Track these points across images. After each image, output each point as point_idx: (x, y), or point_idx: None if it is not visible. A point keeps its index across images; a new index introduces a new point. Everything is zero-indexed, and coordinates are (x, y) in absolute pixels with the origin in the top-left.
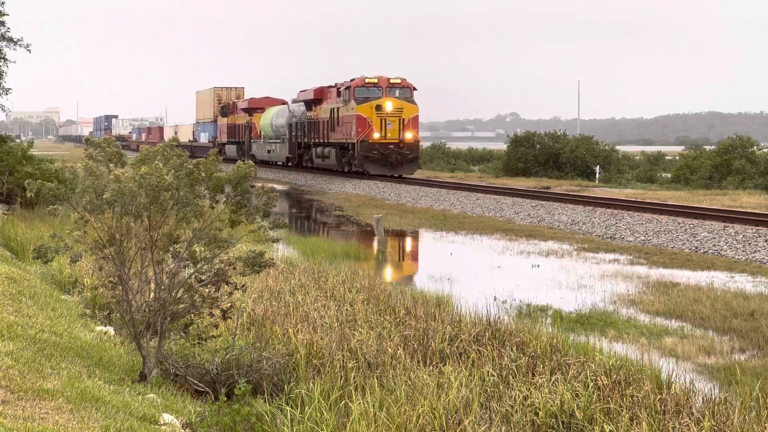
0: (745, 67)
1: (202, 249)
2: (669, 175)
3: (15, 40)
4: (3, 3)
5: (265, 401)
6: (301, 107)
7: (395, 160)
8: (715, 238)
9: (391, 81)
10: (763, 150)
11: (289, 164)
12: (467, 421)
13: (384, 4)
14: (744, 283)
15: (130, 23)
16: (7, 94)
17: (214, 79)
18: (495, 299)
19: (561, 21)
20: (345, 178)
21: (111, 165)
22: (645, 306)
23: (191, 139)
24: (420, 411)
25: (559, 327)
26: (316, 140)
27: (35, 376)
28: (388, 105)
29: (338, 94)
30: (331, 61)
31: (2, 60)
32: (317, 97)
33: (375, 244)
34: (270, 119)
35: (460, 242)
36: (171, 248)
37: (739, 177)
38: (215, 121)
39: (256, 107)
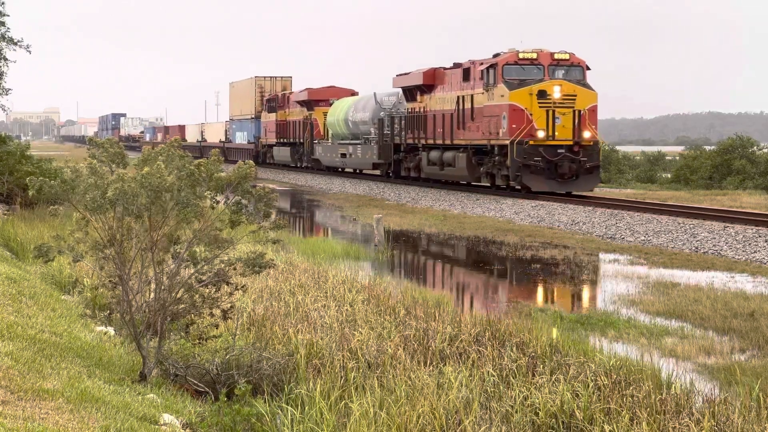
0: (745, 67)
1: (203, 249)
2: (669, 176)
3: (15, 40)
4: (3, 3)
5: (265, 401)
6: (392, 98)
7: (568, 171)
8: (715, 238)
9: (556, 56)
10: (763, 150)
11: (380, 173)
12: (467, 421)
13: None
14: (744, 283)
15: (130, 23)
16: (7, 95)
17: (216, 78)
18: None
19: (565, 21)
20: (345, 177)
21: (113, 165)
22: (645, 306)
23: (223, 139)
24: (420, 411)
25: (560, 327)
26: (428, 141)
27: (35, 377)
28: (556, 90)
29: (465, 76)
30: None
31: (2, 60)
32: (427, 83)
33: (375, 244)
34: (344, 114)
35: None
36: (171, 249)
37: (739, 177)
38: (257, 117)
39: (318, 99)
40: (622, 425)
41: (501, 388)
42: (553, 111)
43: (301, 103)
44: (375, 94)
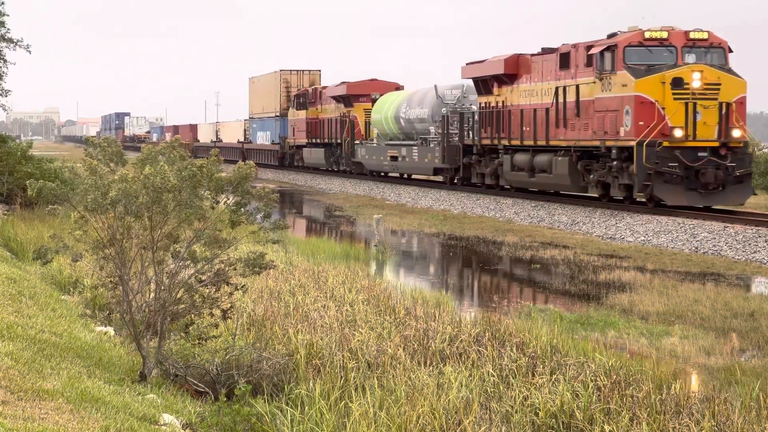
0: (744, 66)
1: (203, 249)
2: None
3: (15, 40)
4: (3, 3)
5: (265, 401)
6: (456, 92)
7: (713, 180)
8: (715, 238)
9: (691, 35)
10: (764, 150)
11: (444, 181)
12: (467, 421)
13: None
14: (744, 283)
15: (130, 23)
16: (6, 96)
17: (215, 79)
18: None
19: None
20: (344, 177)
21: (112, 165)
22: (645, 306)
23: (242, 139)
24: (420, 411)
25: (560, 327)
26: (512, 141)
27: (35, 377)
28: (696, 77)
29: (563, 63)
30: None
31: (2, 61)
32: (509, 72)
33: (375, 245)
34: (393, 110)
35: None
36: (171, 248)
37: None
38: (282, 115)
39: (358, 94)
40: (622, 425)
41: (501, 388)
42: (693, 104)
43: (338, 99)
44: (436, 86)
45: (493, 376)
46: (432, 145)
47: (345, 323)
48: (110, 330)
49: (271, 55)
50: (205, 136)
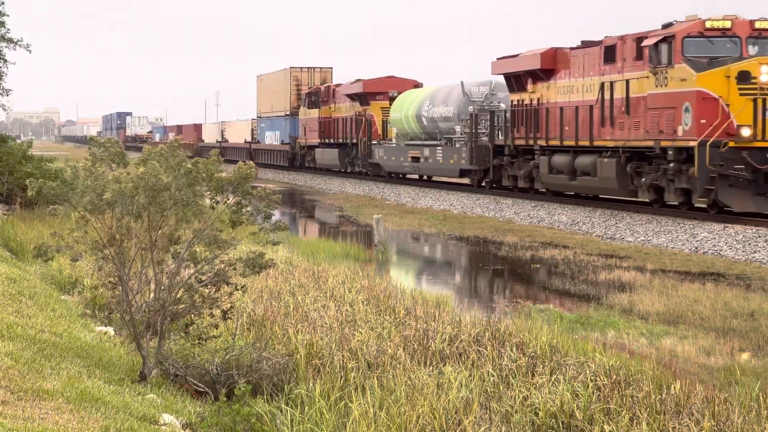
0: None
1: (203, 249)
2: None
3: (15, 40)
4: (3, 3)
5: (265, 401)
6: (483, 89)
7: None
8: (714, 238)
9: (757, 25)
10: None
11: (471, 183)
12: (467, 421)
13: None
14: (744, 283)
15: (130, 23)
16: (7, 95)
17: (214, 79)
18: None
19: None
20: (344, 177)
21: (113, 165)
22: (645, 306)
23: (249, 139)
24: (420, 411)
25: (559, 327)
26: (550, 142)
27: (35, 377)
28: (764, 71)
29: (609, 56)
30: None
31: (2, 61)
32: (546, 67)
33: (375, 245)
34: (414, 109)
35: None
36: (171, 249)
37: None
38: (293, 114)
39: (375, 92)
40: (622, 425)
41: (501, 388)
42: (763, 100)
43: (353, 97)
44: (462, 83)
45: (493, 376)
46: (458, 146)
47: (345, 323)
48: (110, 330)
49: (272, 55)
50: (210, 136)
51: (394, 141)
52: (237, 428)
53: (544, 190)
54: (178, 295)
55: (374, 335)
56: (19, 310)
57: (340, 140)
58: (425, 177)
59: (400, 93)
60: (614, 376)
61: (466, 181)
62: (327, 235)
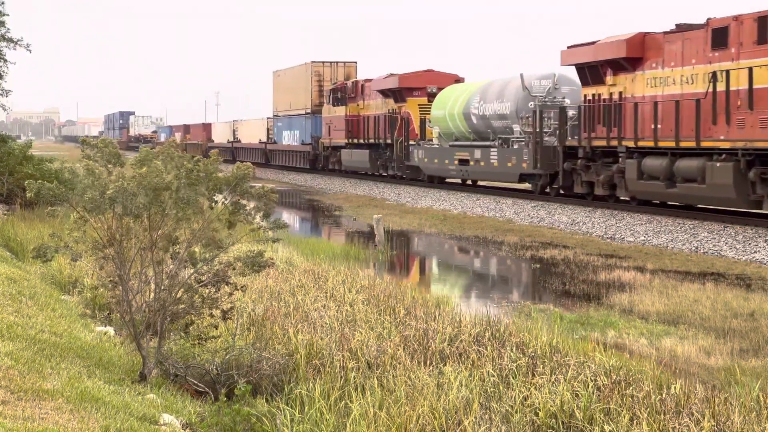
0: None
1: (202, 250)
2: None
3: (15, 40)
4: (3, 3)
5: (265, 401)
6: (545, 82)
7: None
8: (714, 238)
9: None
10: None
11: (533, 189)
12: (467, 421)
13: None
14: (744, 283)
15: (128, 23)
16: (7, 95)
17: (216, 80)
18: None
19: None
20: (344, 177)
21: (109, 166)
22: (645, 306)
23: (264, 139)
24: (420, 411)
25: (559, 327)
26: (639, 142)
27: (35, 377)
28: None
29: (719, 41)
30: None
31: (2, 61)
32: (633, 55)
33: (375, 245)
34: (461, 105)
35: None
36: (171, 249)
37: None
38: (314, 113)
39: (412, 87)
40: (622, 425)
41: (501, 388)
42: None
43: (386, 93)
44: (522, 75)
45: (493, 376)
46: (516, 147)
47: (345, 323)
48: (110, 330)
49: (273, 54)
50: (220, 136)
51: (435, 141)
52: (237, 428)
53: (627, 199)
54: (178, 295)
55: (374, 335)
56: (19, 310)
57: (371, 140)
58: (469, 181)
59: (440, 89)
60: (614, 376)
61: (525, 186)
62: (327, 235)
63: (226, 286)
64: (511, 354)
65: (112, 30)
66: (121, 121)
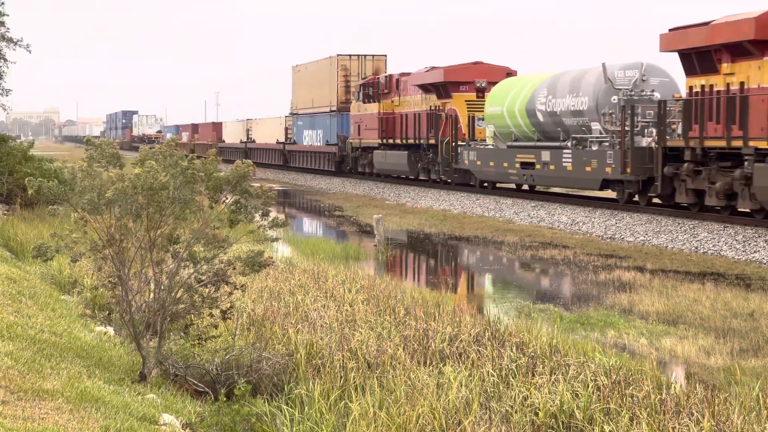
0: None
1: (202, 249)
2: None
3: (15, 40)
4: (3, 3)
5: (264, 401)
6: (631, 73)
7: None
8: (714, 238)
9: None
10: None
11: (618, 198)
12: (467, 421)
13: None
14: (744, 283)
15: (129, 22)
16: (7, 95)
17: (213, 79)
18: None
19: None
20: (344, 177)
21: (109, 167)
22: (645, 306)
23: (282, 139)
24: (420, 411)
25: (559, 327)
26: None
27: (35, 377)
28: None
29: None
30: None
31: (2, 60)
32: (761, 37)
33: (375, 245)
34: (523, 100)
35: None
36: (170, 248)
37: None
38: (341, 110)
39: (458, 81)
40: (622, 425)
41: (501, 388)
42: None
43: (427, 88)
44: (604, 65)
45: (493, 375)
46: (597, 148)
47: (345, 323)
48: (110, 330)
49: (273, 53)
50: (232, 136)
51: (489, 142)
52: (237, 428)
53: (754, 209)
54: (178, 295)
55: (374, 335)
56: (19, 310)
57: (410, 140)
58: (525, 186)
59: (490, 83)
60: (614, 376)
61: (609, 194)
62: (327, 235)
63: (225, 286)
64: (511, 354)
65: (112, 30)
66: (123, 121)
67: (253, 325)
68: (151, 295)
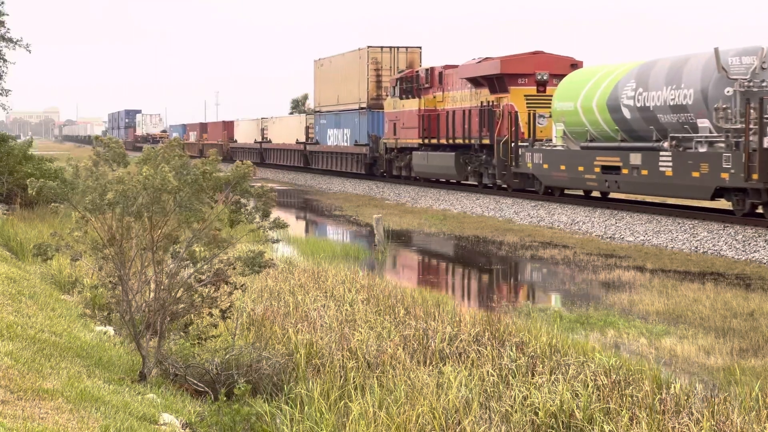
0: None
1: (202, 249)
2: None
3: (15, 40)
4: (2, 3)
5: (264, 401)
6: (748, 59)
7: None
8: (714, 237)
9: None
10: None
11: (736, 209)
12: (467, 421)
13: None
14: (743, 282)
15: (128, 22)
16: (6, 95)
17: (213, 80)
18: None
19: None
20: (344, 177)
21: (114, 165)
22: (645, 306)
23: (303, 139)
24: (420, 411)
25: (559, 326)
26: None
27: (35, 376)
28: None
29: None
30: None
31: (2, 60)
32: None
33: (375, 245)
34: (603, 94)
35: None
36: (171, 248)
37: None
38: (370, 107)
39: (516, 74)
40: (622, 425)
41: (500, 387)
42: None
43: (478, 82)
44: (717, 50)
45: (493, 375)
46: (704, 149)
47: (345, 323)
48: (110, 329)
49: (272, 53)
50: (245, 136)
51: (557, 142)
52: (237, 428)
53: None
54: (178, 295)
55: (374, 335)
56: (19, 309)
57: (457, 140)
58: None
59: (552, 75)
60: (614, 376)
61: (721, 204)
62: (327, 235)
63: (225, 286)
64: (511, 354)
65: (112, 29)
66: (126, 120)
67: (252, 325)
68: (151, 294)
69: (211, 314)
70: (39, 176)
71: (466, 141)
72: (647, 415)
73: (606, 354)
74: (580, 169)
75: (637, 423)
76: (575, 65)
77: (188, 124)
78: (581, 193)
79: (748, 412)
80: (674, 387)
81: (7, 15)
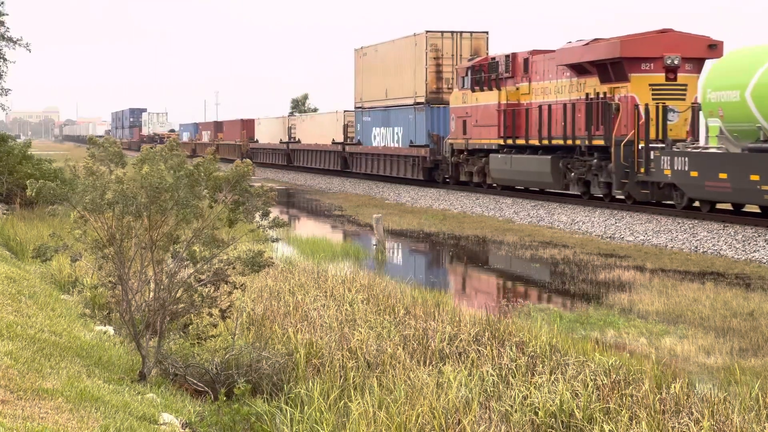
0: None
1: (202, 249)
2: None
3: (15, 39)
4: (2, 3)
5: (264, 401)
6: None
7: None
8: (714, 237)
9: None
10: None
11: None
12: (467, 420)
13: None
14: (743, 282)
15: (129, 22)
16: (6, 95)
17: (213, 80)
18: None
19: None
20: (344, 177)
21: (112, 165)
22: (644, 305)
23: (340, 139)
24: (419, 411)
25: (559, 326)
26: None
27: (35, 376)
28: None
29: None
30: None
31: (2, 60)
32: None
33: (374, 244)
34: None
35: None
36: (171, 248)
37: None
38: (429, 102)
39: (639, 57)
40: (622, 425)
41: (500, 387)
42: None
43: (582, 68)
44: None
45: (493, 375)
46: None
47: (344, 322)
48: (110, 329)
49: (271, 53)
50: (268, 136)
51: (710, 143)
52: (236, 428)
53: None
54: (178, 295)
55: (374, 335)
56: (18, 309)
57: (555, 141)
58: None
59: (685, 59)
60: (614, 376)
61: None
62: (327, 234)
63: (225, 285)
64: (511, 353)
65: (112, 29)
66: (131, 119)
67: (252, 325)
68: (151, 294)
69: (210, 314)
70: (39, 177)
71: (569, 142)
72: (647, 415)
73: (606, 354)
74: (753, 178)
75: (637, 423)
76: (713, 45)
77: (201, 123)
78: (756, 209)
79: (748, 412)
80: (674, 387)
81: (7, 15)
